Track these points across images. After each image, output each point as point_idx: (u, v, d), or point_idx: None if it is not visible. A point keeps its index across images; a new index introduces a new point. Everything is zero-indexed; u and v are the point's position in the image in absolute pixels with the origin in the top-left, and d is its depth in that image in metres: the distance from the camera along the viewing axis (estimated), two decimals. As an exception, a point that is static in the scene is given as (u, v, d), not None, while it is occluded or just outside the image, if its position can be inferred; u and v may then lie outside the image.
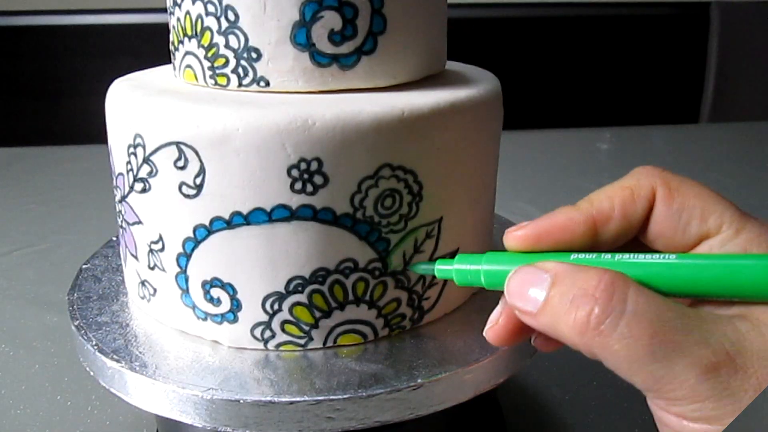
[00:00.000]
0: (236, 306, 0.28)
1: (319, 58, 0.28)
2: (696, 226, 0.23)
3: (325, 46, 0.28)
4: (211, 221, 0.27)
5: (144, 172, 0.28)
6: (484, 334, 0.26)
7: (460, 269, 0.27)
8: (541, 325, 0.23)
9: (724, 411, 0.20)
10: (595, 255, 0.24)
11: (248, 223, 0.27)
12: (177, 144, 0.27)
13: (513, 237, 0.25)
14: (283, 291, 0.28)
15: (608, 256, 0.23)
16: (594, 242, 0.24)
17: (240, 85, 0.28)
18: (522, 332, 0.25)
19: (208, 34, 0.28)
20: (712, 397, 0.20)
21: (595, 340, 0.21)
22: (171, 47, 0.32)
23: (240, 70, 0.28)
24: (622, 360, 0.20)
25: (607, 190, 0.24)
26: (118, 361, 0.28)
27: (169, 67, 0.34)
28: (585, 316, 0.21)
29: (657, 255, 0.23)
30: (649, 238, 0.24)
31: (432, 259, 0.29)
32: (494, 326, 0.25)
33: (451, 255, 0.30)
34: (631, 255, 0.23)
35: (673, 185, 0.24)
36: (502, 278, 0.25)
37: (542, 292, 0.22)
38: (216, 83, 0.29)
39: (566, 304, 0.21)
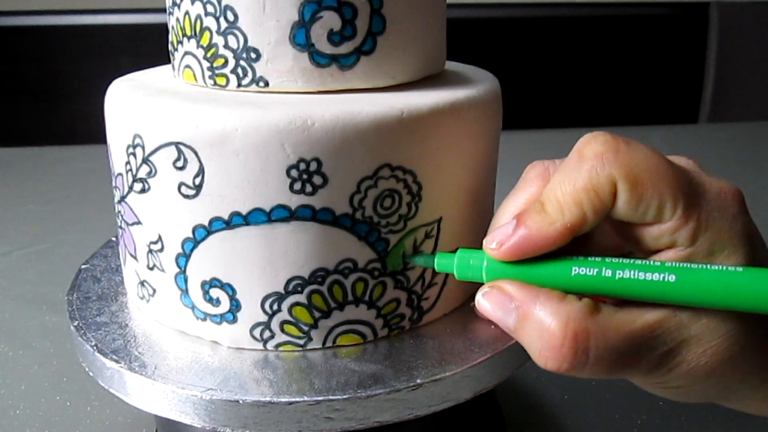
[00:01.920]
0: (235, 306, 0.28)
1: (318, 59, 0.28)
2: (652, 214, 0.24)
3: (324, 46, 0.28)
4: (210, 221, 0.27)
5: (143, 172, 0.28)
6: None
7: (462, 264, 0.27)
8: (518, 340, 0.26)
9: (663, 381, 0.26)
10: (596, 271, 0.24)
11: (247, 224, 0.27)
12: (176, 144, 0.27)
13: (495, 254, 0.26)
14: (283, 291, 0.28)
15: (609, 272, 0.24)
16: (573, 241, 0.26)
17: (239, 85, 0.28)
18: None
19: (207, 34, 0.28)
20: (656, 378, 0.26)
21: (566, 374, 0.25)
22: (170, 47, 0.32)
23: (239, 70, 0.28)
24: (585, 377, 0.25)
25: (571, 193, 0.25)
26: (117, 361, 0.28)
27: (168, 67, 0.34)
28: (555, 368, 0.24)
29: (657, 272, 0.24)
30: (609, 214, 0.25)
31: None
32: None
33: (451, 255, 0.30)
34: (633, 271, 0.24)
35: (632, 176, 0.24)
36: (505, 274, 0.26)
37: (512, 322, 0.25)
38: (215, 83, 0.29)
39: (536, 351, 0.25)
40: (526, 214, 0.25)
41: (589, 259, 0.25)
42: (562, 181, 0.25)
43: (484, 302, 0.26)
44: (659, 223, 0.25)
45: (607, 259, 0.25)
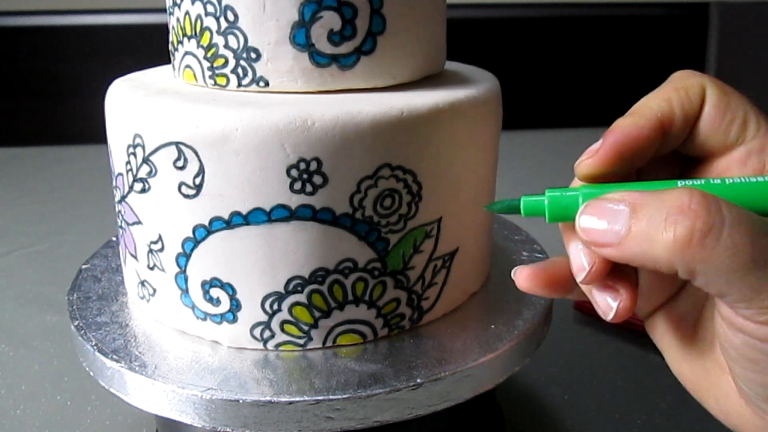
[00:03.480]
0: (235, 306, 0.28)
1: (318, 59, 0.28)
2: (737, 127, 0.24)
3: (324, 46, 0.28)
4: (211, 221, 0.27)
5: (143, 172, 0.28)
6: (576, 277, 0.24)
7: (554, 200, 0.24)
8: (627, 254, 0.22)
9: None
10: (703, 181, 0.22)
11: (247, 223, 0.27)
12: (176, 144, 0.27)
13: (589, 163, 0.24)
14: (283, 291, 0.28)
15: (717, 180, 0.22)
16: (661, 146, 0.24)
17: (239, 85, 0.28)
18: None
19: (207, 34, 0.28)
20: None
21: (699, 254, 0.20)
22: (170, 47, 0.32)
23: (239, 70, 0.28)
24: (725, 271, 0.20)
25: (661, 94, 0.24)
26: (117, 361, 0.28)
27: (168, 67, 0.34)
28: (687, 231, 0.20)
29: (760, 177, 0.22)
30: (691, 136, 0.24)
31: (431, 260, 0.29)
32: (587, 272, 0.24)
33: (450, 255, 0.30)
34: (741, 177, 0.22)
35: (720, 84, 0.24)
36: None
37: (622, 222, 0.22)
38: (215, 83, 0.29)
39: (660, 224, 0.21)
40: (615, 123, 0.24)
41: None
42: (649, 95, 0.25)
43: (585, 217, 0.23)
44: (743, 143, 0.24)
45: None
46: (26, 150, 0.99)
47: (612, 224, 0.22)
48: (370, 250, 0.28)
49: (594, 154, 0.24)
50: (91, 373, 0.30)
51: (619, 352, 0.48)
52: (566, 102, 1.27)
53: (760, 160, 0.23)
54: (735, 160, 0.24)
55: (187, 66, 0.30)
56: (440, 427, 0.33)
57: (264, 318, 0.28)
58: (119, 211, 0.31)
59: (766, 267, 0.20)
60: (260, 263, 0.27)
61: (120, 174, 0.30)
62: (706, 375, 0.25)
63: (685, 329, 0.26)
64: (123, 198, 0.30)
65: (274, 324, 0.28)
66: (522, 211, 0.25)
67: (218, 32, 0.28)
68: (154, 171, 0.28)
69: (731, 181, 0.22)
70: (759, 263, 0.20)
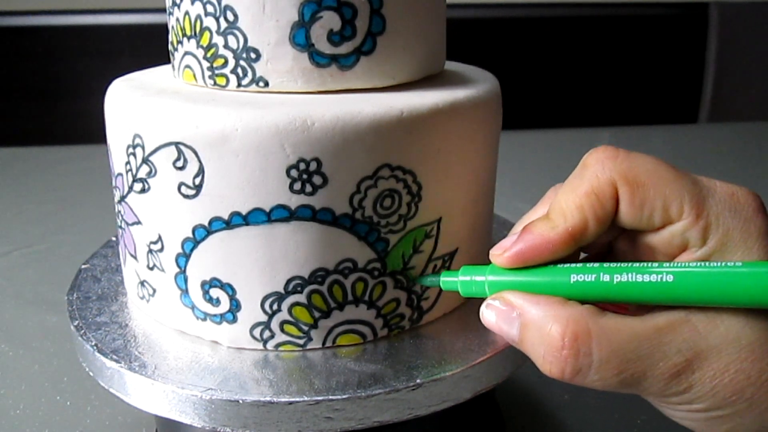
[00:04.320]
0: (235, 306, 0.28)
1: (318, 59, 0.28)
2: (659, 216, 0.24)
3: (324, 46, 0.28)
4: (210, 221, 0.27)
5: (143, 172, 0.28)
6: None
7: (465, 281, 0.27)
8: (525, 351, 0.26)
9: (685, 399, 0.24)
10: (594, 277, 0.24)
11: (247, 224, 0.27)
12: (176, 144, 0.27)
13: (499, 261, 0.26)
14: (282, 291, 0.28)
15: (607, 277, 0.24)
16: (577, 249, 0.26)
17: (239, 85, 0.28)
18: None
19: (207, 34, 0.28)
20: (676, 396, 0.24)
21: (571, 382, 0.24)
22: (170, 47, 0.32)
23: (239, 70, 0.28)
24: (599, 389, 0.24)
25: (573, 199, 0.25)
26: (117, 361, 0.28)
27: (168, 67, 0.34)
28: (559, 372, 0.24)
29: (655, 274, 0.23)
30: (617, 222, 0.25)
31: (430, 260, 0.29)
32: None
33: (450, 255, 0.30)
34: (630, 274, 0.24)
35: (631, 178, 0.24)
36: (507, 287, 0.26)
37: (515, 330, 0.25)
38: (215, 83, 0.29)
39: (539, 357, 0.24)
40: (532, 223, 0.26)
41: (588, 265, 0.25)
42: (565, 190, 0.25)
43: (487, 314, 0.26)
44: (669, 225, 0.24)
45: (605, 264, 0.24)
46: (26, 150, 0.99)
47: (508, 328, 0.25)
48: (369, 251, 0.28)
49: (502, 253, 0.26)
50: (91, 374, 0.30)
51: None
52: (566, 102, 1.27)
53: (683, 240, 0.24)
54: (661, 238, 0.25)
55: (187, 66, 0.30)
56: (440, 427, 0.33)
57: (264, 318, 0.28)
58: (119, 212, 0.31)
59: (634, 385, 0.24)
60: (260, 263, 0.27)
61: (120, 174, 0.30)
62: None
63: None
64: (123, 198, 0.30)
65: (274, 324, 0.28)
66: (441, 286, 0.29)
67: (218, 32, 0.28)
68: (153, 171, 0.28)
69: (618, 279, 0.24)
70: (627, 384, 0.24)
